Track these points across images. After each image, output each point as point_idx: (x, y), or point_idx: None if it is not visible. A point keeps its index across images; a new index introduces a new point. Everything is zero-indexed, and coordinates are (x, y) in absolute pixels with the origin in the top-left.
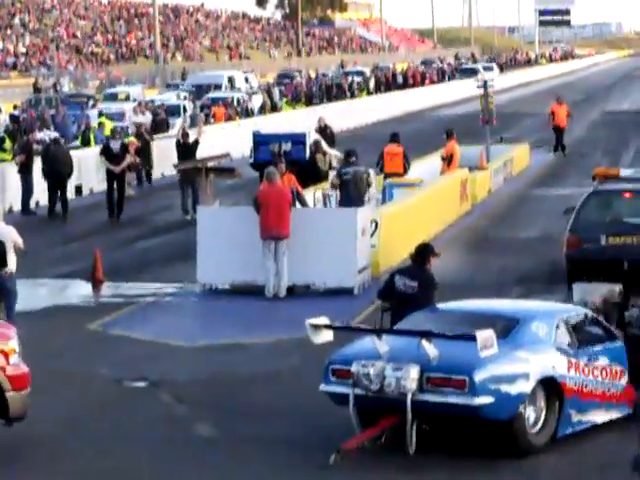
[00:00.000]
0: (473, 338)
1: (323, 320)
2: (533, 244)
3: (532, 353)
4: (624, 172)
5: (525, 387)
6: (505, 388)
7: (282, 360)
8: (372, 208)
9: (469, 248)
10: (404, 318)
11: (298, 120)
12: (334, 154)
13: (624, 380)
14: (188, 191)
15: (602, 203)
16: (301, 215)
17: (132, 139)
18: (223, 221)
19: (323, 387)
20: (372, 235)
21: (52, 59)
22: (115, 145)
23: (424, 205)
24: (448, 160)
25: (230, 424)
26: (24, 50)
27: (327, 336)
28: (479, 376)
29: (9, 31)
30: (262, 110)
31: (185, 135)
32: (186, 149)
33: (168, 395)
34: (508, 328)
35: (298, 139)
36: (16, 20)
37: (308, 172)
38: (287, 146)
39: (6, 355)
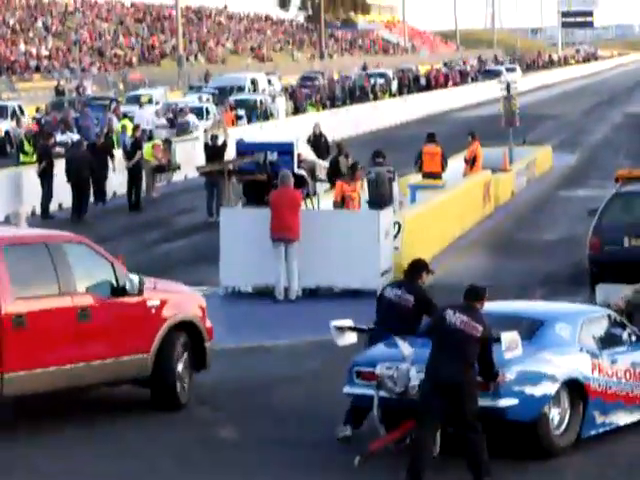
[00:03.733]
0: (498, 340)
1: (347, 322)
2: (556, 246)
3: (556, 355)
4: None
5: (549, 389)
6: (529, 390)
7: (304, 362)
8: (396, 209)
9: (492, 250)
10: (391, 330)
11: (323, 122)
12: (324, 165)
13: None
14: (213, 193)
15: (625, 205)
16: (324, 217)
17: (157, 141)
18: (246, 223)
19: (347, 389)
20: (395, 237)
21: (75, 62)
22: (128, 141)
23: (447, 207)
24: (471, 162)
25: (253, 426)
26: (47, 53)
27: (351, 338)
28: (504, 378)
29: (31, 34)
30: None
31: (214, 137)
32: (215, 151)
33: (191, 397)
34: (532, 329)
35: (285, 149)
36: (39, 23)
37: (330, 174)
38: (273, 156)
39: (203, 310)
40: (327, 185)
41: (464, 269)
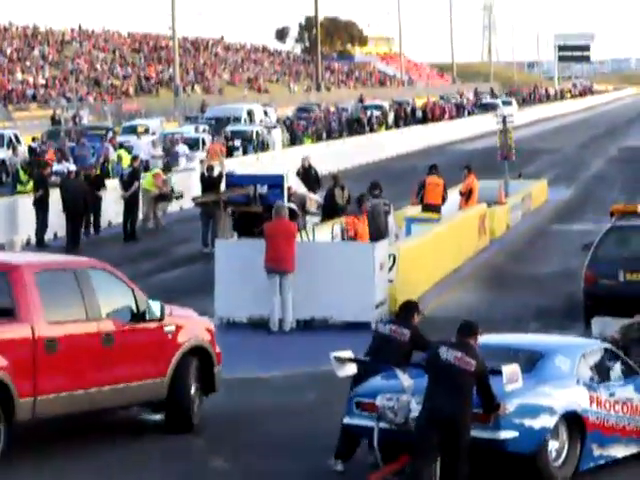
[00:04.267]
0: (499, 372)
1: (347, 354)
2: (551, 280)
3: (556, 387)
4: None
5: (549, 421)
6: (529, 422)
7: (299, 394)
8: (391, 242)
9: (487, 283)
10: (385, 363)
11: (317, 154)
12: (314, 199)
13: None
14: (208, 223)
15: (620, 239)
16: (320, 248)
17: (158, 170)
18: (240, 254)
19: (347, 420)
20: (390, 270)
21: (71, 91)
22: (126, 171)
23: (442, 240)
24: (467, 195)
25: (245, 458)
26: (43, 82)
27: (351, 369)
28: (504, 410)
29: (28, 63)
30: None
31: (210, 168)
32: (211, 182)
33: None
34: (532, 362)
35: (275, 182)
36: (36, 52)
37: (326, 206)
38: (263, 189)
39: (212, 334)
40: (317, 219)
41: (459, 302)
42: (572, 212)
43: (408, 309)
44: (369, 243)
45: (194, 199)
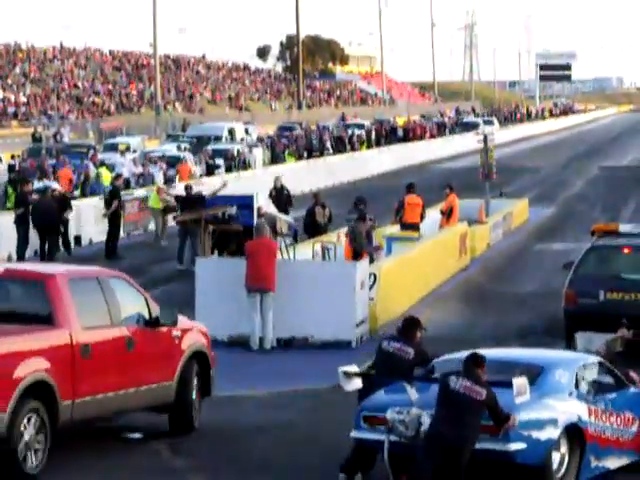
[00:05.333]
0: (509, 384)
1: (353, 368)
2: (532, 299)
3: (557, 400)
4: (623, 228)
5: (553, 433)
6: (536, 434)
7: (279, 413)
8: (373, 256)
9: (467, 302)
10: (390, 379)
11: (299, 172)
12: (284, 219)
13: (635, 427)
14: (185, 241)
15: (601, 258)
16: (300, 267)
17: (159, 185)
18: (222, 272)
19: (354, 434)
20: (371, 288)
21: (53, 109)
22: (107, 189)
23: (423, 259)
24: (448, 214)
25: (226, 476)
26: (25, 99)
27: (357, 384)
28: (514, 422)
29: (10, 80)
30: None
31: (187, 187)
32: (190, 201)
33: (164, 447)
34: (534, 376)
35: (244, 202)
36: (17, 69)
37: (307, 225)
38: (232, 210)
39: (208, 338)
40: (289, 240)
41: (439, 320)
42: (553, 231)
43: (411, 326)
44: (350, 262)
45: (175, 217)
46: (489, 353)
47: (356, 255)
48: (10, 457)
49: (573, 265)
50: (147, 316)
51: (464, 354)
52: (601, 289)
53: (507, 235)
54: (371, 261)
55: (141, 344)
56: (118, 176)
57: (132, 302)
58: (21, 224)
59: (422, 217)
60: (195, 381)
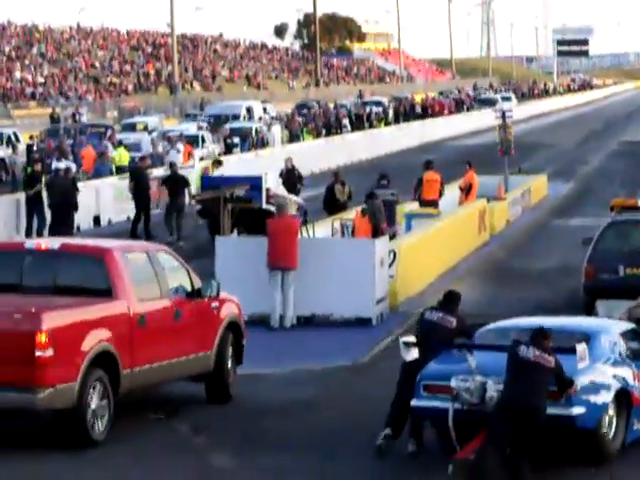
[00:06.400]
0: (568, 351)
1: (412, 338)
2: (551, 275)
3: (607, 365)
4: None
5: (607, 397)
6: (593, 398)
7: (299, 391)
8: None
9: (487, 279)
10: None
11: (317, 151)
12: (294, 200)
13: None
14: (173, 214)
15: (620, 234)
16: (319, 245)
17: (204, 164)
18: (241, 251)
19: (415, 402)
20: (390, 266)
21: (70, 89)
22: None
23: (442, 236)
24: (466, 190)
25: (247, 454)
26: (42, 80)
27: (415, 354)
28: (576, 388)
29: (27, 61)
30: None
31: (173, 165)
32: (175, 182)
33: (186, 425)
34: (580, 342)
35: (253, 183)
36: (34, 50)
37: (326, 202)
38: (240, 191)
39: (239, 309)
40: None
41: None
42: (572, 207)
43: (452, 298)
44: (369, 239)
45: (194, 196)
46: (533, 322)
47: (375, 233)
48: (79, 425)
49: (592, 241)
50: (190, 288)
51: (505, 323)
52: (621, 264)
53: (526, 211)
54: (391, 238)
55: (186, 315)
56: (143, 158)
57: (177, 274)
58: (36, 204)
59: (441, 194)
60: (230, 350)
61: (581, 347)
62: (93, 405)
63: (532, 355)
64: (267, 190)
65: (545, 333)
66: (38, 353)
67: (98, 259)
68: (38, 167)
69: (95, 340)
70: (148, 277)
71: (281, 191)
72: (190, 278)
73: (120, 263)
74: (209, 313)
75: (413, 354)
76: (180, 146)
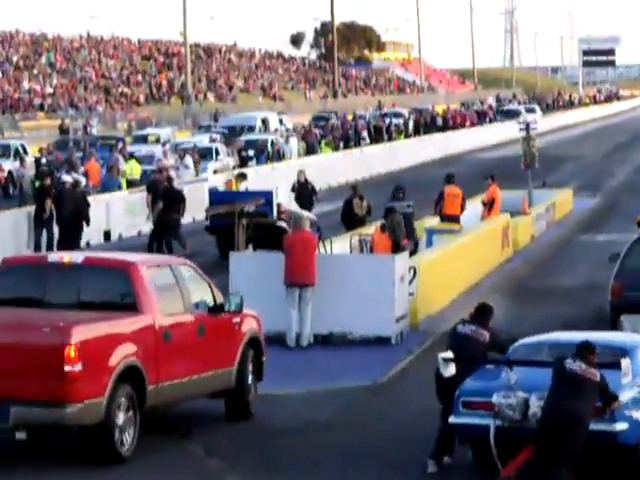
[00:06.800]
0: (613, 365)
1: (450, 354)
2: (576, 292)
3: None
4: None
5: None
6: (635, 414)
7: (316, 412)
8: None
9: (510, 296)
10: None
11: (335, 163)
12: (306, 215)
13: None
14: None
15: None
16: (337, 261)
17: (228, 176)
18: (256, 267)
19: (453, 419)
20: (410, 283)
21: (80, 100)
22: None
23: (464, 252)
24: (489, 205)
25: (263, 474)
26: (51, 91)
27: (453, 370)
28: (619, 403)
29: (36, 71)
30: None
31: (170, 180)
32: (172, 195)
33: (199, 447)
34: (620, 358)
35: (264, 198)
36: (43, 59)
37: (344, 216)
38: (251, 207)
39: (259, 324)
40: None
41: None
42: (598, 222)
43: (484, 312)
44: (389, 255)
45: (207, 210)
46: (568, 337)
47: (396, 248)
48: (107, 440)
49: (619, 257)
50: (212, 302)
51: (539, 338)
52: None
53: (551, 226)
54: (411, 254)
55: (209, 330)
56: (160, 170)
57: (199, 289)
58: (41, 219)
59: (462, 208)
60: (250, 367)
61: (625, 362)
62: (120, 421)
63: (579, 369)
64: (278, 205)
65: (591, 347)
66: (67, 368)
67: (122, 273)
68: (47, 181)
69: (122, 355)
70: (172, 291)
71: (293, 206)
72: (212, 292)
73: (145, 277)
74: (231, 328)
75: (451, 370)
76: (189, 161)
